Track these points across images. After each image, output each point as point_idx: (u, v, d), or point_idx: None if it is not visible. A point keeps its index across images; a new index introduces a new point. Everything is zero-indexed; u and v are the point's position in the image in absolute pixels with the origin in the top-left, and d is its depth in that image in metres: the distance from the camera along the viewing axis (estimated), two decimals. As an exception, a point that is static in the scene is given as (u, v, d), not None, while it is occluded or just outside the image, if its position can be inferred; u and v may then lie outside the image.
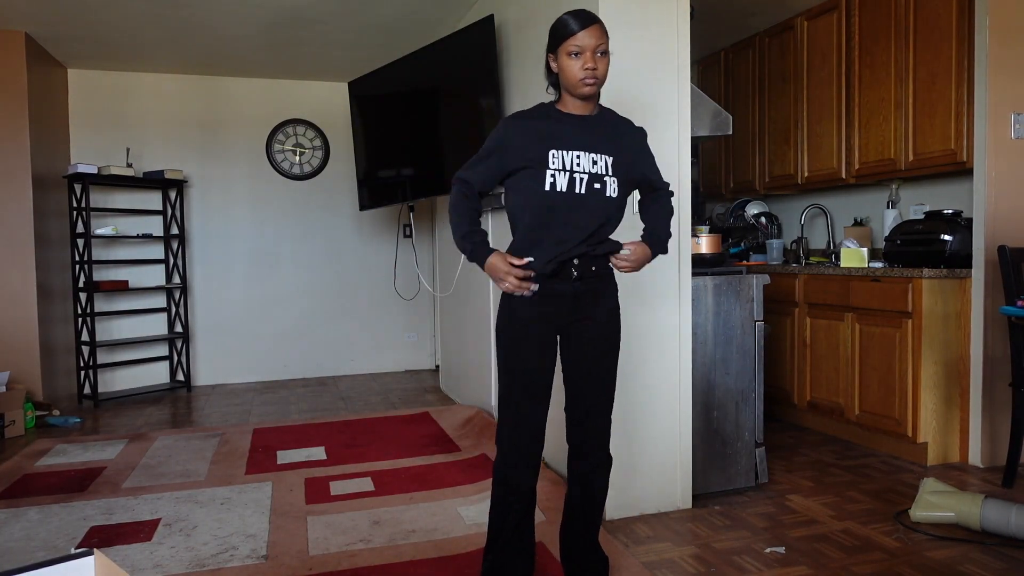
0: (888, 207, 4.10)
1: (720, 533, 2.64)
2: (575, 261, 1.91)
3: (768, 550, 2.48)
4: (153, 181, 5.37)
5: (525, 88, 3.63)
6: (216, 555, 2.48)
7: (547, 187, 1.86)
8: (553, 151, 1.88)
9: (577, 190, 1.88)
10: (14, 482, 3.33)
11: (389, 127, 4.89)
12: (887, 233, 3.81)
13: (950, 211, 3.52)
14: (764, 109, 4.74)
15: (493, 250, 1.90)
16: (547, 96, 2.05)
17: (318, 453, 3.70)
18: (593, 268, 1.95)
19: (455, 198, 1.95)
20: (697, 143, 5.29)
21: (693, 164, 4.96)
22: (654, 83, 2.81)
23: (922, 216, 3.68)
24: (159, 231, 5.61)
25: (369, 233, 6.20)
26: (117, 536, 2.66)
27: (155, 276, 5.65)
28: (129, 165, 5.35)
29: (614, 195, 1.92)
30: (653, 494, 2.85)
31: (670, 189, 2.13)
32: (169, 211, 5.58)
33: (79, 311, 5.23)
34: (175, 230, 5.61)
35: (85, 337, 5.23)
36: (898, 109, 3.74)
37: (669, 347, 2.85)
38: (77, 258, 5.19)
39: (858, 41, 3.98)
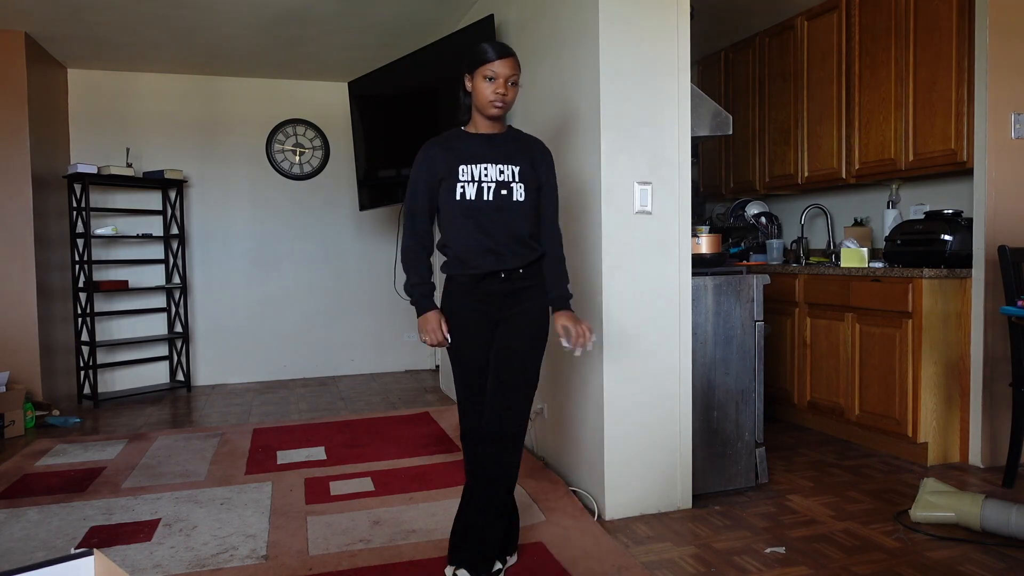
0: (888, 207, 4.10)
1: (720, 533, 2.64)
2: (502, 274, 2.15)
3: (768, 550, 2.48)
4: (153, 181, 5.37)
5: (525, 88, 3.63)
6: (216, 555, 2.48)
7: (457, 197, 2.11)
8: (462, 166, 2.12)
9: (485, 197, 2.11)
10: (14, 482, 3.33)
11: (389, 127, 4.89)
12: (887, 233, 3.81)
13: (950, 211, 3.52)
14: (764, 109, 4.74)
15: (434, 307, 2.17)
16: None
17: (318, 453, 3.70)
18: (521, 271, 2.17)
19: (405, 251, 2.21)
20: (697, 143, 5.29)
21: (693, 164, 4.95)
22: (654, 83, 2.81)
23: (922, 216, 3.68)
24: (159, 231, 5.61)
25: (369, 233, 6.20)
26: (117, 536, 2.66)
27: (155, 276, 5.65)
28: (129, 165, 5.35)
29: (521, 199, 2.14)
30: (653, 494, 2.85)
31: (559, 229, 2.30)
32: (169, 211, 5.58)
33: (79, 311, 5.23)
34: (175, 230, 5.61)
35: (85, 337, 5.23)
36: (898, 109, 3.74)
37: (669, 347, 2.85)
38: (77, 258, 5.19)
39: (858, 41, 3.98)
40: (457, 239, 2.15)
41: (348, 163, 6.01)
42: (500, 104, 2.10)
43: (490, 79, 2.08)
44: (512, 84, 2.11)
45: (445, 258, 2.22)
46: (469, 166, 2.12)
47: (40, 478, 3.39)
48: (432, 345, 2.15)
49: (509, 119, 3.77)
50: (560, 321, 2.20)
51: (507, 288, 2.17)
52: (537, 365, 2.21)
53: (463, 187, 2.11)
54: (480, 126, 2.19)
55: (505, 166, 2.14)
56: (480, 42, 2.20)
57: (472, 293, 2.17)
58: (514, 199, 2.14)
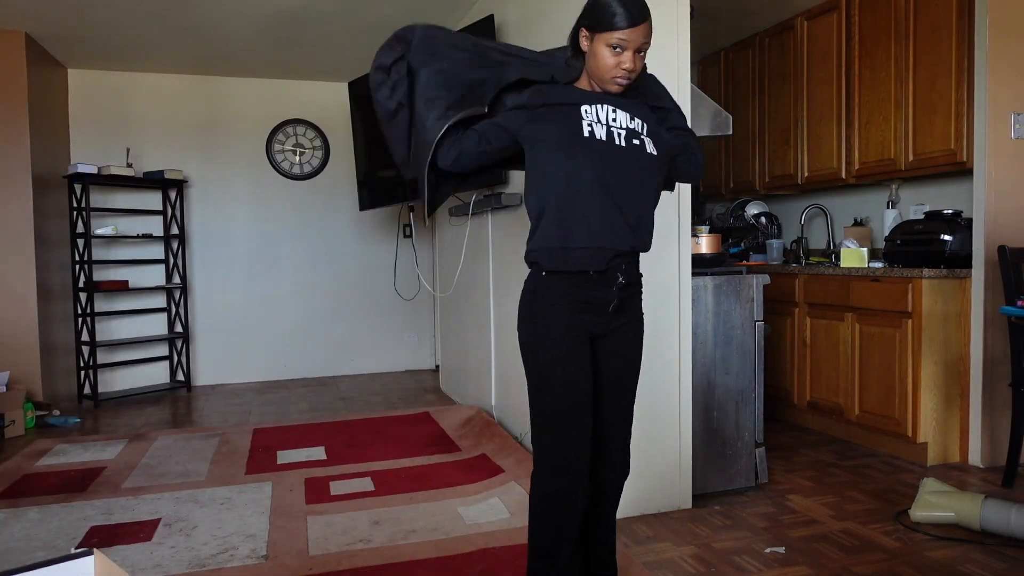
0: (888, 207, 4.10)
1: (720, 533, 2.64)
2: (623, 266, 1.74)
3: (768, 550, 2.48)
4: (153, 181, 5.37)
5: (525, 88, 3.63)
6: (216, 555, 2.48)
7: (586, 133, 1.70)
8: (585, 106, 1.73)
9: (617, 142, 1.71)
10: (14, 482, 3.33)
11: (389, 127, 4.87)
12: (887, 233, 3.81)
13: (950, 211, 3.52)
14: (764, 109, 4.74)
15: None
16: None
17: (318, 453, 3.70)
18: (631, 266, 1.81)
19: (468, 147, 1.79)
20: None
21: (693, 164, 4.91)
22: (654, 83, 2.80)
23: (922, 216, 3.68)
24: (159, 231, 5.61)
25: (369, 233, 6.20)
26: (117, 536, 2.66)
27: (155, 276, 5.65)
28: (129, 165, 5.35)
29: (654, 153, 1.77)
30: (653, 494, 2.85)
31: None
32: (169, 211, 5.58)
33: (79, 311, 5.23)
34: (175, 230, 5.61)
35: (85, 337, 5.23)
36: (898, 109, 3.74)
37: (669, 347, 2.85)
38: (77, 258, 5.19)
39: (858, 41, 3.98)
40: (572, 203, 1.68)
41: (348, 163, 6.01)
42: (626, 81, 1.71)
43: (617, 48, 1.67)
44: (643, 54, 1.71)
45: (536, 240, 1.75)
46: (594, 106, 1.72)
47: (40, 478, 3.39)
48: None
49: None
50: None
51: (619, 295, 1.76)
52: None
53: (590, 126, 1.70)
54: (595, 88, 1.79)
55: (634, 119, 1.76)
56: None
57: (574, 298, 1.72)
58: (648, 151, 1.75)
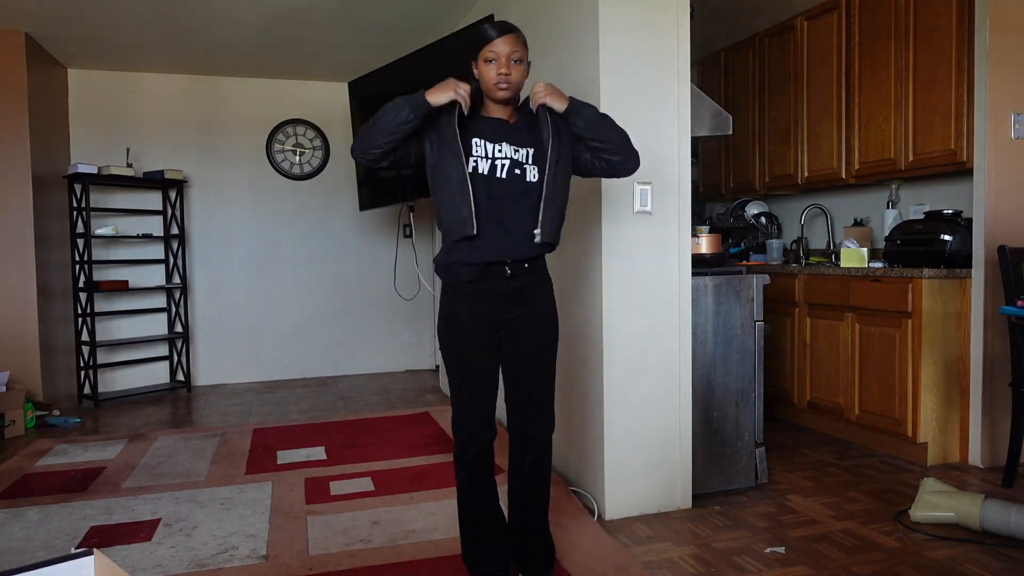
0: (888, 207, 4.10)
1: (720, 533, 2.64)
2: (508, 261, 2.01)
3: (768, 550, 2.48)
4: (153, 181, 5.37)
5: (525, 87, 3.62)
6: (216, 555, 2.48)
7: (469, 170, 1.97)
8: (476, 139, 2.00)
9: (499, 175, 1.99)
10: (14, 482, 3.33)
11: (389, 127, 4.87)
12: (887, 233, 3.81)
13: (950, 211, 3.52)
14: (764, 109, 4.74)
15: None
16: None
17: (318, 453, 3.70)
18: (526, 265, 2.05)
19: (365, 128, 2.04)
20: (697, 143, 5.30)
21: (693, 164, 4.95)
22: (654, 83, 2.81)
23: (922, 216, 3.68)
24: (159, 231, 5.61)
25: (369, 233, 6.20)
26: (117, 536, 2.66)
27: (155, 276, 5.65)
28: (129, 165, 5.35)
29: (535, 180, 2.01)
30: (653, 494, 2.85)
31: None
32: (169, 211, 5.58)
33: (79, 311, 5.23)
34: (175, 230, 5.61)
35: (85, 337, 5.23)
36: (898, 109, 3.74)
37: (669, 347, 2.85)
38: (77, 258, 5.19)
39: (858, 41, 3.98)
40: (460, 220, 1.98)
41: (348, 163, 6.01)
42: (505, 86, 1.97)
43: (491, 61, 1.97)
44: (516, 62, 1.98)
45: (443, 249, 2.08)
46: (484, 141, 2.01)
47: (40, 478, 3.39)
48: (455, 96, 1.94)
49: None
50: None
51: (512, 287, 2.04)
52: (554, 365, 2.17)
53: (475, 161, 1.98)
54: (492, 111, 2.07)
55: (521, 148, 2.02)
56: (483, 24, 2.06)
57: (475, 293, 2.04)
58: (527, 180, 2.01)
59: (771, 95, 4.67)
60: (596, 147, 2.05)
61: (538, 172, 2.02)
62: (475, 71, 2.05)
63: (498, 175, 1.99)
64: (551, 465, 2.20)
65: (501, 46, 1.96)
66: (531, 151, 2.04)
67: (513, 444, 2.16)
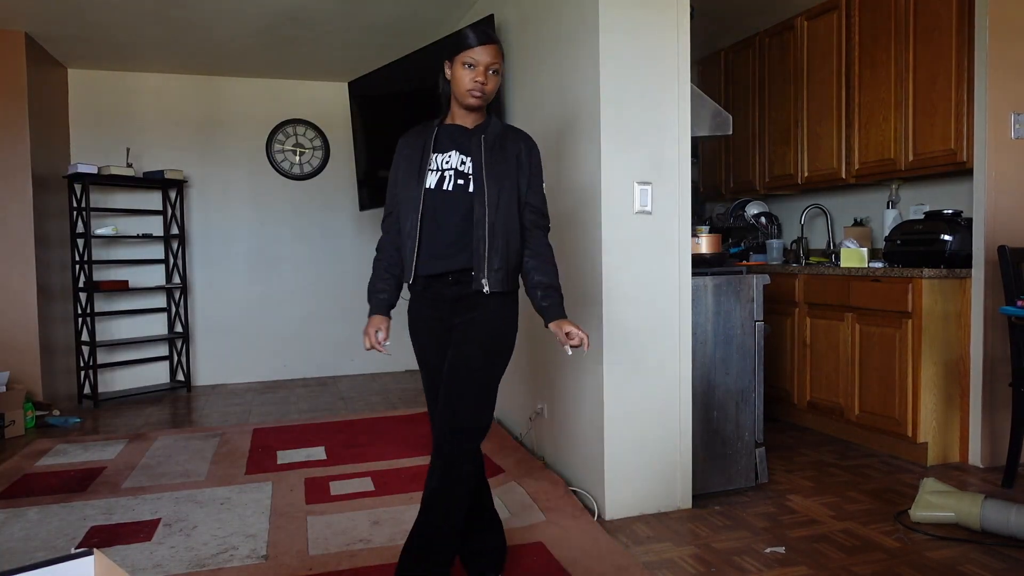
0: (888, 207, 4.10)
1: (720, 533, 2.64)
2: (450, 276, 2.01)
3: (768, 550, 2.48)
4: (153, 181, 5.37)
5: (525, 87, 3.63)
6: (216, 555, 2.48)
7: (428, 185, 1.99)
8: (434, 155, 2.03)
9: (445, 187, 1.99)
10: (14, 482, 3.33)
11: (389, 127, 4.89)
12: (887, 233, 3.81)
13: (950, 211, 3.52)
14: (764, 109, 4.74)
15: (379, 313, 2.08)
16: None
17: (318, 453, 3.70)
18: (472, 273, 2.00)
19: (379, 248, 2.15)
20: (697, 143, 5.29)
21: (693, 164, 4.95)
22: (654, 83, 2.81)
23: (922, 216, 3.68)
24: (159, 231, 5.61)
25: (369, 233, 6.20)
26: (117, 536, 2.66)
27: (155, 276, 5.65)
28: (129, 165, 5.35)
29: (481, 191, 1.99)
30: (653, 494, 2.85)
31: (547, 224, 2.13)
32: (169, 211, 5.58)
33: (79, 311, 5.23)
34: (175, 230, 5.61)
35: (85, 337, 5.23)
36: (898, 109, 3.74)
37: (669, 347, 2.85)
38: (77, 258, 5.19)
39: (858, 41, 3.98)
40: (407, 235, 2.03)
41: (348, 163, 6.01)
42: (479, 94, 1.98)
43: (470, 66, 1.96)
44: (493, 73, 1.99)
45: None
46: (436, 154, 2.02)
47: (40, 478, 3.39)
48: (367, 348, 2.05)
49: (510, 118, 3.78)
50: (564, 328, 2.01)
51: (457, 293, 2.01)
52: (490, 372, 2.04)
53: (429, 175, 2.01)
54: (456, 117, 2.07)
55: (467, 157, 2.02)
56: (464, 28, 2.06)
57: (424, 297, 2.07)
58: (470, 190, 1.99)
59: (771, 95, 4.67)
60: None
61: (476, 184, 1.99)
62: (447, 71, 2.04)
63: (444, 187, 2.00)
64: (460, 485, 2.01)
65: (482, 54, 1.96)
66: (471, 162, 2.01)
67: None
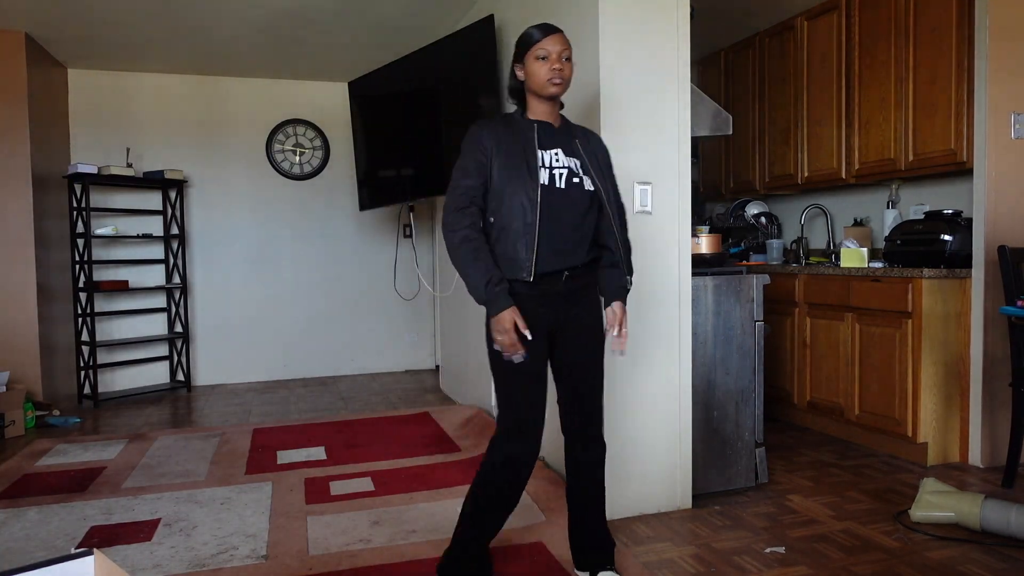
0: (888, 207, 4.10)
1: (720, 533, 2.64)
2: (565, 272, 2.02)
3: (768, 550, 2.48)
4: (153, 181, 5.37)
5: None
6: (216, 555, 2.48)
7: (542, 180, 1.97)
8: (541, 152, 2.01)
9: (558, 185, 2.00)
10: (14, 482, 3.33)
11: (389, 127, 4.89)
12: (887, 233, 3.81)
13: (950, 211, 3.52)
14: (764, 109, 4.74)
15: (511, 303, 1.92)
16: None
17: (318, 453, 3.70)
18: (581, 268, 2.08)
19: (463, 241, 1.93)
20: (697, 143, 5.29)
21: (693, 164, 4.95)
22: (654, 83, 2.81)
23: (922, 216, 3.68)
24: (159, 231, 5.61)
25: (369, 233, 6.20)
26: (117, 536, 2.66)
27: (155, 276, 5.65)
28: (129, 165, 5.35)
29: (591, 189, 2.05)
30: (653, 494, 2.85)
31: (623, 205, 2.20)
32: (169, 211, 5.58)
33: (79, 311, 5.23)
34: (175, 230, 5.61)
35: (85, 337, 5.23)
36: (898, 109, 3.74)
37: (669, 347, 2.85)
38: (77, 258, 5.19)
39: (858, 41, 3.98)
40: (520, 231, 1.96)
41: (348, 163, 6.01)
42: (559, 80, 2.00)
43: (543, 58, 1.99)
44: (567, 60, 2.02)
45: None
46: (541, 151, 2.01)
47: (40, 478, 3.39)
48: (508, 353, 1.91)
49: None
50: (619, 312, 2.11)
51: (568, 289, 2.04)
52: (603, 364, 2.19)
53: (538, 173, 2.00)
54: (537, 112, 2.08)
55: (573, 156, 2.06)
56: (527, 28, 2.08)
57: (531, 296, 1.99)
58: (585, 188, 2.04)
59: (771, 95, 4.67)
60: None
61: (591, 183, 2.06)
62: (519, 72, 2.07)
63: (558, 185, 2.00)
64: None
65: (552, 44, 2.00)
66: (578, 162, 2.06)
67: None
